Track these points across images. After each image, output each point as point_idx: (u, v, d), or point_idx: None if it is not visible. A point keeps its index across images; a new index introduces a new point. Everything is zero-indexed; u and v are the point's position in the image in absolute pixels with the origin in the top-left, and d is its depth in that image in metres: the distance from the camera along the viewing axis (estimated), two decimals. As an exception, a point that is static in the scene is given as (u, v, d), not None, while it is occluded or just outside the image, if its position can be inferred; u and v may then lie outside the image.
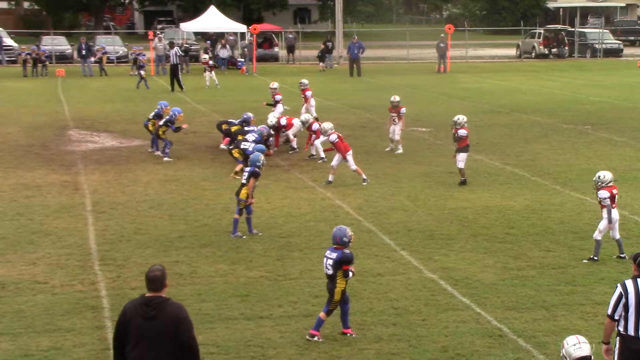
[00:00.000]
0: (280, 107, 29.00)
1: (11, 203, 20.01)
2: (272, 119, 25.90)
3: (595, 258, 15.82)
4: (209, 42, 57.16)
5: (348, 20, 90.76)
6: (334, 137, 22.08)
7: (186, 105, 37.56)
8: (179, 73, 44.67)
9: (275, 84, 29.96)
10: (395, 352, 12.00)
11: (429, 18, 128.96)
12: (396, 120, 26.15)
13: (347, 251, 12.17)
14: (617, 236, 15.93)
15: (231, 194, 20.62)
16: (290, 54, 62.62)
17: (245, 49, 57.17)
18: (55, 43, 59.35)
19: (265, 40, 64.09)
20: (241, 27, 60.19)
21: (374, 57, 62.16)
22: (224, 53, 55.37)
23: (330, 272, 12.20)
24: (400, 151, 26.21)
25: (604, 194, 15.58)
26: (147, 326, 8.46)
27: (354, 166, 22.12)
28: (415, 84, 47.49)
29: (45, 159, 25.08)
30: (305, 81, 30.51)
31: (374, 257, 16.25)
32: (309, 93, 29.74)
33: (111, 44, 59.81)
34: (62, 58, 58.76)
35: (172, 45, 47.64)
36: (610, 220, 15.65)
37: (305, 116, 25.58)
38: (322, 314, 12.38)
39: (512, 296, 14.17)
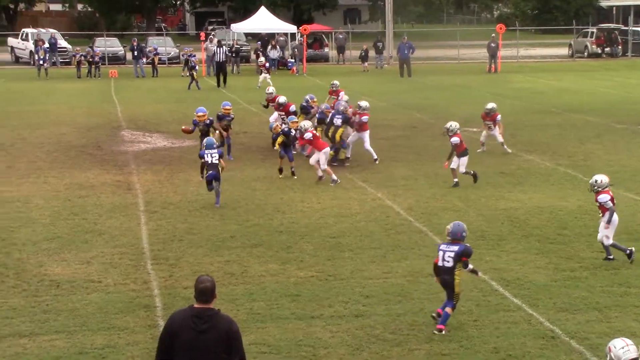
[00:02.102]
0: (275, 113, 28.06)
1: (66, 203, 20.27)
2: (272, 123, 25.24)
3: (611, 257, 15.78)
4: (259, 43, 57.36)
5: (398, 20, 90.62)
6: (308, 135, 22.24)
7: (237, 105, 37.70)
8: (226, 71, 46.83)
9: (271, 89, 29.19)
10: (446, 353, 11.98)
11: (479, 18, 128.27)
12: (492, 127, 25.77)
13: (467, 244, 12.80)
14: (611, 241, 15.80)
15: (282, 195, 20.76)
16: (341, 55, 62.68)
17: (296, 50, 57.34)
18: (108, 44, 59.96)
19: (316, 41, 64.22)
20: (291, 28, 60.38)
21: (425, 57, 61.95)
22: (274, 54, 55.55)
23: (451, 264, 12.64)
24: (509, 151, 25.89)
25: (605, 197, 15.61)
26: (198, 339, 8.29)
27: (324, 165, 22.22)
28: (466, 84, 47.31)
29: (98, 159, 25.36)
30: (336, 82, 30.37)
31: (425, 257, 16.20)
32: (342, 94, 29.39)
33: (163, 45, 60.28)
34: (115, 59, 59.35)
35: (220, 44, 48.20)
36: (609, 221, 15.65)
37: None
38: (448, 309, 12.65)
39: (564, 297, 14.07)
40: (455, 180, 21.71)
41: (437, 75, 52.51)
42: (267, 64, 47.27)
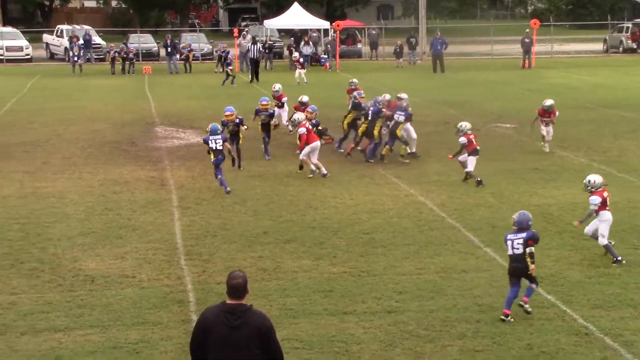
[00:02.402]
0: (286, 109, 28.57)
1: (100, 198, 20.40)
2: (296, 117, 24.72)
3: (619, 259, 15.54)
4: (292, 38, 57.39)
5: (431, 16, 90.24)
6: (302, 130, 22.40)
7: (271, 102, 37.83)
8: (259, 67, 47.80)
9: (277, 86, 29.07)
10: (479, 349, 11.96)
11: (513, 13, 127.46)
12: (549, 123, 25.58)
13: (534, 231, 13.25)
14: (606, 241, 15.72)
15: (314, 191, 20.79)
16: (373, 50, 62.59)
17: (329, 46, 57.34)
18: (142, 41, 60.30)
19: (349, 37, 64.19)
20: (324, 24, 60.34)
21: (458, 52, 61.76)
22: (307, 50, 55.53)
23: (520, 250, 12.98)
24: (547, 149, 25.71)
25: (595, 199, 15.55)
26: (231, 335, 8.29)
27: (315, 159, 22.44)
28: (500, 79, 47.10)
29: (132, 155, 25.49)
30: (355, 80, 30.14)
31: (458, 253, 16.18)
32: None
33: (196, 41, 60.50)
34: (149, 55, 59.66)
35: (254, 40, 48.56)
36: (582, 221, 15.97)
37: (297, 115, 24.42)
38: (532, 285, 13.15)
39: (598, 294, 13.99)
40: (469, 177, 21.79)
41: (470, 71, 52.33)
42: (302, 59, 47.33)
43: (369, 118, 24.43)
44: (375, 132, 24.23)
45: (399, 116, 24.13)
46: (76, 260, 15.79)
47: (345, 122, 25.56)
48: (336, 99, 35.29)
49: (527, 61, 54.45)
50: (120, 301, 13.76)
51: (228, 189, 20.62)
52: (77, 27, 61.98)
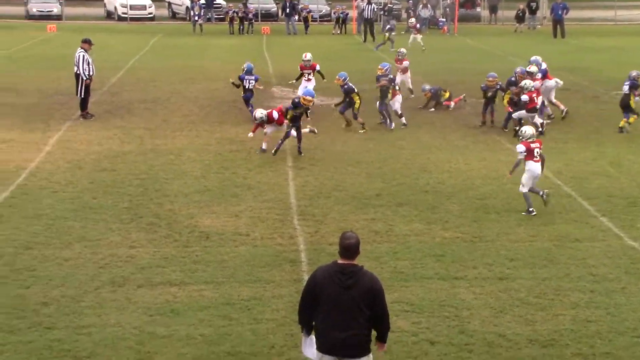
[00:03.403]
0: (313, 81, 27.14)
1: (216, 157, 20.72)
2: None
3: (531, 210, 16.35)
4: (410, 1, 56.96)
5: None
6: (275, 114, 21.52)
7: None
8: (374, 27, 48.23)
9: (309, 55, 27.44)
10: (592, 320, 11.80)
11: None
12: None
13: None
14: (531, 187, 16.54)
15: (428, 155, 20.74)
16: (493, 14, 61.68)
17: (447, 9, 56.77)
18: (261, 1, 60.61)
19: (468, 1, 63.35)
20: (443, -14, 59.66)
21: (579, 18, 60.41)
22: (425, 13, 55.08)
23: None
24: None
25: (519, 147, 16.45)
26: (342, 295, 8.41)
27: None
28: (623, 46, 45.93)
29: (249, 115, 25.72)
30: (403, 50, 29.42)
31: (573, 222, 15.96)
32: (406, 63, 28.79)
33: (315, 2, 60.56)
34: (268, 16, 60.05)
35: (369, 1, 48.73)
36: (510, 172, 16.86)
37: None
38: None
39: None
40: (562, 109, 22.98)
41: (592, 37, 51.17)
42: (418, 25, 46.81)
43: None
44: (504, 102, 23.67)
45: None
46: (192, 217, 16.11)
47: (505, 100, 23.99)
48: (454, 63, 34.98)
49: (653, 28, 52.90)
50: (233, 258, 14.00)
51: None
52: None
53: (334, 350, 8.51)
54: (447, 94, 26.97)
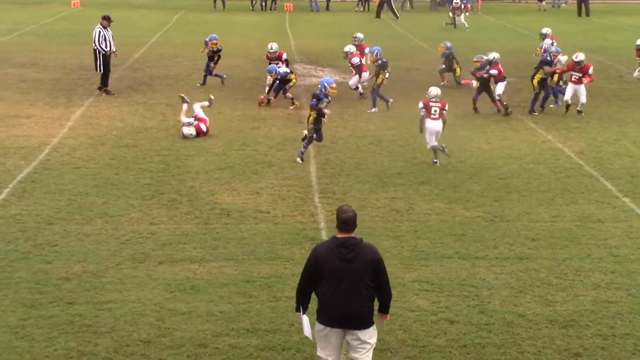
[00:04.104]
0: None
1: (238, 134, 20.73)
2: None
3: (435, 161, 18.14)
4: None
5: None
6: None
7: (408, 42, 37.61)
8: (392, 2, 48.60)
9: (275, 46, 25.44)
10: (612, 301, 11.76)
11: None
12: None
13: None
14: (433, 143, 18.06)
15: (450, 133, 20.62)
16: (517, -8, 61.26)
17: (471, -13, 56.37)
18: (283, -22, 60.41)
19: (492, -22, 62.90)
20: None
21: (605, -4, 60.00)
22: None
23: None
24: None
25: (420, 104, 18.09)
26: (346, 268, 8.57)
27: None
28: (648, 25, 45.55)
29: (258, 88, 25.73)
30: (360, 35, 27.39)
31: (595, 202, 15.89)
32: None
33: (337, -21, 60.31)
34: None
35: None
36: (421, 129, 18.24)
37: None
38: None
39: None
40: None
41: (617, 16, 50.75)
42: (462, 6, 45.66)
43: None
44: (534, 82, 23.43)
45: None
46: (213, 194, 16.14)
47: (535, 80, 23.50)
48: (478, 42, 34.79)
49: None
50: (254, 236, 14.02)
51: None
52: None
53: (341, 323, 8.72)
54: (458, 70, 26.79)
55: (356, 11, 52.67)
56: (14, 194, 15.94)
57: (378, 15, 48.03)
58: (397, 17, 47.51)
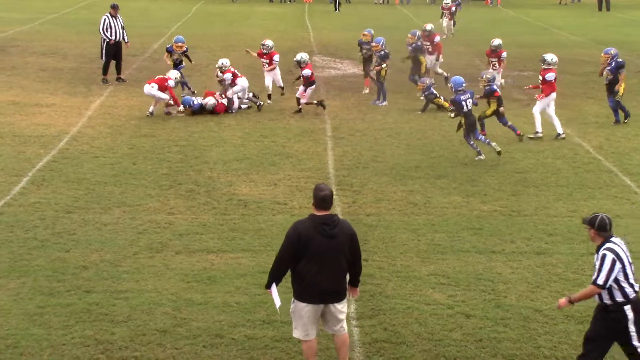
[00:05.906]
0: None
1: (256, 125, 20.76)
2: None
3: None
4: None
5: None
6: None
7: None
8: None
9: (269, 42, 24.25)
10: (629, 297, 11.71)
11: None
12: None
13: None
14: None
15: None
16: (537, -14, 60.89)
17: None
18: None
19: (512, -29, 62.57)
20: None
21: (626, -10, 59.67)
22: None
23: None
24: None
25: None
26: (330, 244, 8.91)
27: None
28: (669, 20, 45.32)
29: (288, 84, 25.73)
30: (270, 42, 24.42)
31: (613, 198, 15.84)
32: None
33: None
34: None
35: None
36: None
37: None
38: None
39: None
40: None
41: (638, 10, 50.49)
42: (453, 8, 39.21)
43: None
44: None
45: None
46: (230, 185, 16.17)
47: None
48: (496, 36, 34.60)
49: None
50: (271, 227, 14.05)
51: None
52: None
53: (324, 298, 9.07)
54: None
55: (376, 3, 52.60)
56: (34, 183, 16.03)
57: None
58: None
